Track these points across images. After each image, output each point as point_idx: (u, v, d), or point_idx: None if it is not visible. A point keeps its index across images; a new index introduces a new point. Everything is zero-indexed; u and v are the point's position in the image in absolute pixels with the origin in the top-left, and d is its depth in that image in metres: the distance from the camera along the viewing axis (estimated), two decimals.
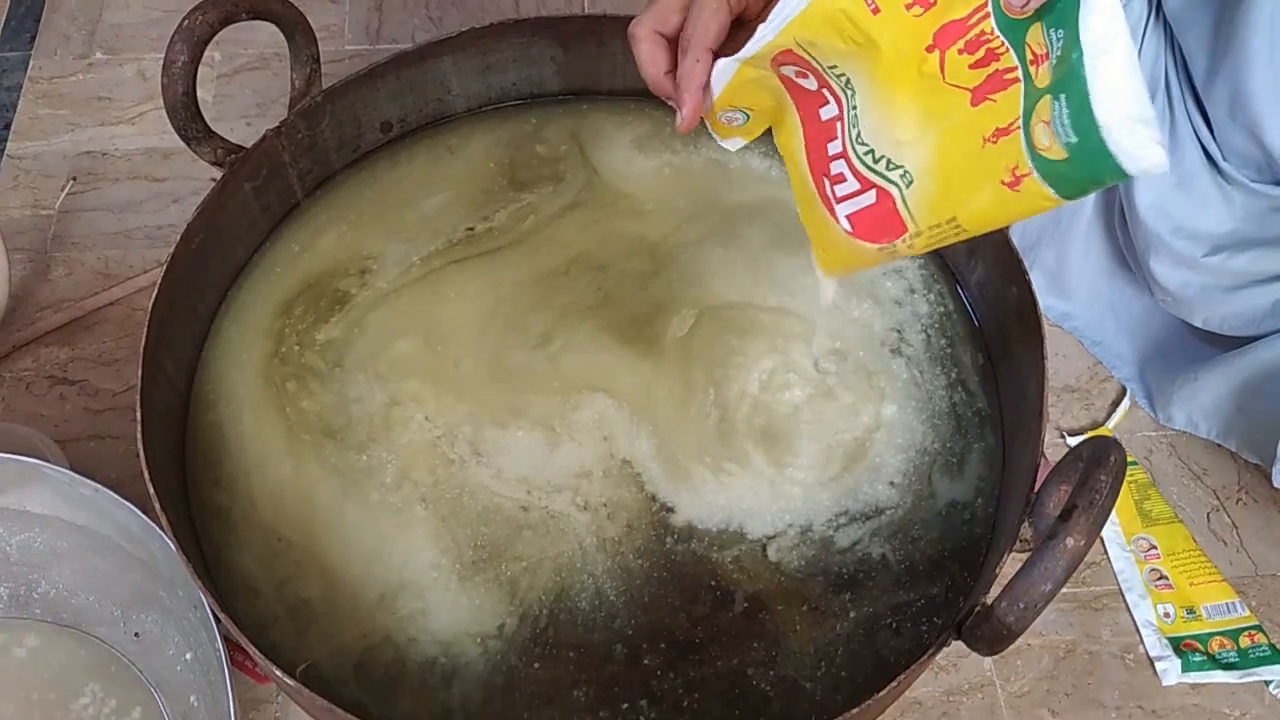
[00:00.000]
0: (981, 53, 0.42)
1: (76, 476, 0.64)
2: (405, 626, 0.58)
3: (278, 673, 0.50)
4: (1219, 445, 0.90)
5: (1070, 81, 0.39)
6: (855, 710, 0.50)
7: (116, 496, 0.63)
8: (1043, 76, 0.40)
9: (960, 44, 0.43)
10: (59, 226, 1.02)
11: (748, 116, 0.53)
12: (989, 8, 0.42)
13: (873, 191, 0.48)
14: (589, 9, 1.20)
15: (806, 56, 0.47)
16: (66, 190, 1.04)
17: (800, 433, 0.65)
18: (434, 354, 0.67)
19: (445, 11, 1.20)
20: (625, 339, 0.68)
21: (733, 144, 0.55)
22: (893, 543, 0.62)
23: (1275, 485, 0.78)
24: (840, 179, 0.49)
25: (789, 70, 0.49)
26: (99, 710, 0.70)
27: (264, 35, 1.14)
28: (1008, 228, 0.62)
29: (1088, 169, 0.39)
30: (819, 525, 0.63)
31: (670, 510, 0.62)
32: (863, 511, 0.63)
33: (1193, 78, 0.82)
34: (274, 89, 1.13)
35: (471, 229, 0.73)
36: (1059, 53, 0.40)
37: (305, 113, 0.69)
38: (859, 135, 0.47)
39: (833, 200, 0.50)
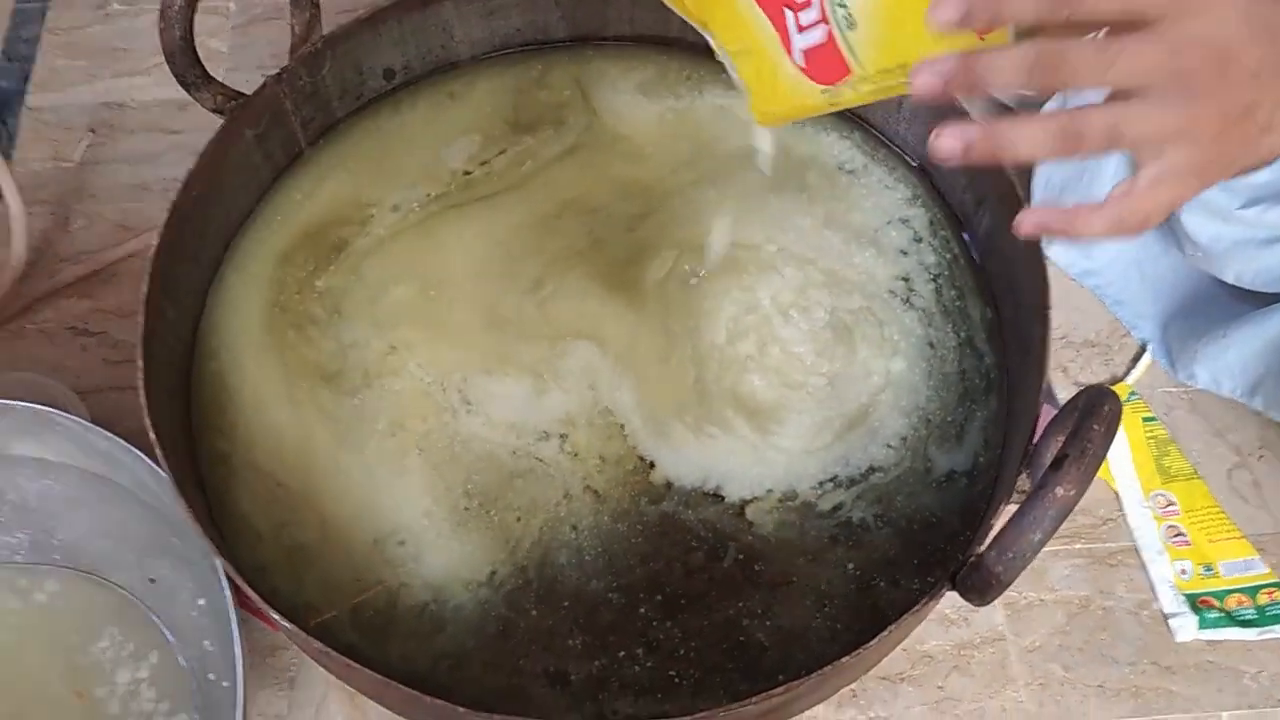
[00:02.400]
0: None
1: (90, 426, 0.65)
2: (398, 571, 0.59)
3: (274, 615, 0.51)
4: (1241, 402, 0.88)
5: None
6: (848, 658, 0.49)
7: (129, 446, 0.64)
8: None
9: None
10: (79, 179, 1.03)
11: None
12: None
13: (824, 27, 0.47)
14: None
15: None
16: (86, 143, 1.05)
17: (786, 399, 0.64)
18: (428, 300, 0.67)
19: None
20: (612, 285, 0.68)
21: None
22: (897, 498, 0.62)
23: None
24: (806, 4, 0.48)
25: None
26: (118, 654, 0.71)
27: None
28: (1014, 174, 0.61)
29: None
30: (810, 483, 0.62)
31: (651, 466, 0.62)
32: (863, 469, 0.63)
33: None
34: (289, 40, 1.12)
35: (470, 173, 0.73)
36: None
37: (305, 59, 0.68)
38: None
39: (793, 32, 0.49)
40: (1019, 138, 0.39)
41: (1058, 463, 0.44)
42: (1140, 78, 0.37)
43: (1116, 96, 0.38)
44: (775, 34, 0.50)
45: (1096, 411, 0.45)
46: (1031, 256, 0.61)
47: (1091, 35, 0.39)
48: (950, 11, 0.39)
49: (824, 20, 0.47)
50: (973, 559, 0.48)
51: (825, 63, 0.48)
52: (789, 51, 0.50)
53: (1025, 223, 0.43)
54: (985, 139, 0.40)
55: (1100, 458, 0.44)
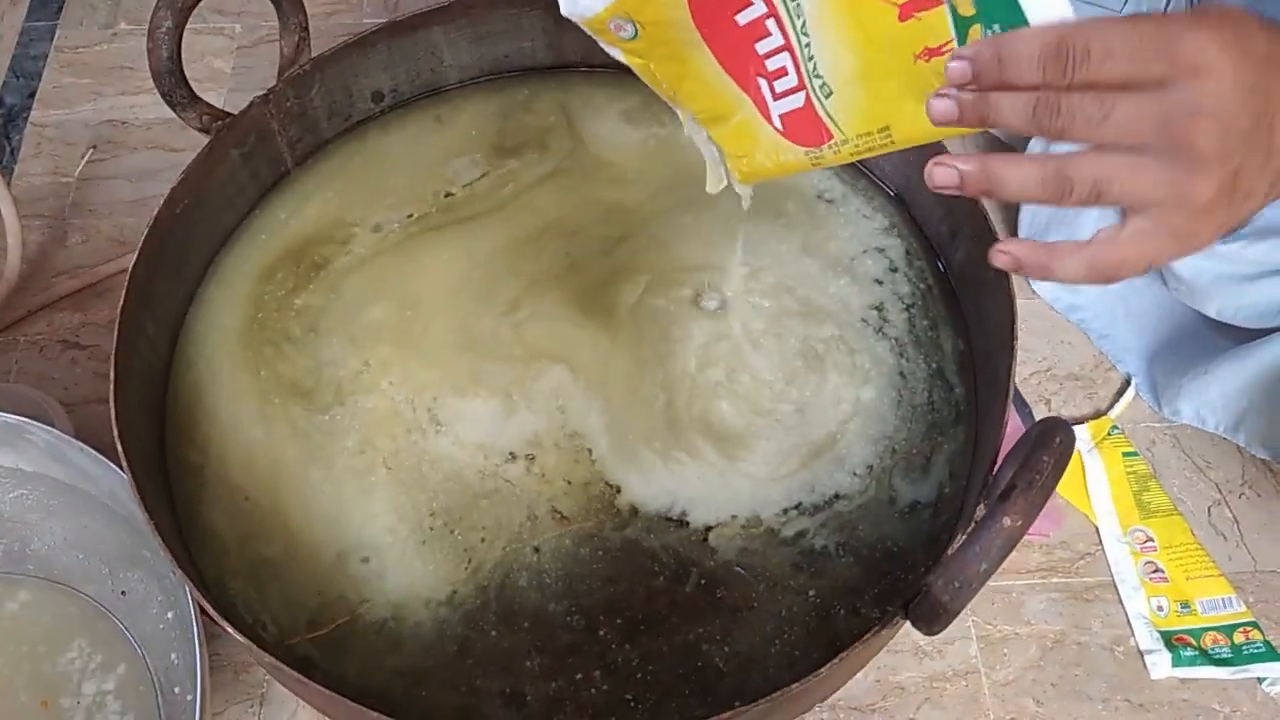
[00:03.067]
0: None
1: (64, 437, 0.65)
2: (360, 587, 0.59)
3: (227, 627, 0.51)
4: (1224, 439, 0.88)
5: (1004, 12, 0.38)
6: (797, 685, 0.49)
7: (102, 457, 0.65)
8: (965, 6, 0.40)
9: None
10: (78, 194, 1.04)
11: (636, 32, 0.51)
12: None
13: (802, 94, 0.48)
14: None
15: None
16: (86, 158, 1.06)
17: (755, 425, 0.65)
18: (404, 320, 0.68)
19: None
20: (587, 310, 0.69)
21: (614, 53, 0.54)
22: (860, 527, 0.62)
23: None
24: (781, 73, 0.49)
25: None
26: (85, 664, 0.72)
27: None
28: (990, 206, 0.61)
29: None
30: (775, 509, 0.62)
31: (618, 490, 0.63)
32: (827, 496, 0.63)
33: None
34: None
35: (452, 195, 0.74)
36: None
37: (293, 81, 0.69)
38: (803, 26, 0.47)
39: (769, 98, 0.50)
40: (1010, 177, 0.39)
41: (1006, 493, 0.44)
42: (1136, 136, 0.37)
43: (1112, 150, 0.37)
44: (749, 100, 0.51)
45: (1048, 443, 0.46)
46: (1000, 288, 0.61)
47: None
48: (942, 114, 0.40)
49: (802, 87, 0.48)
50: (923, 588, 0.48)
51: (805, 127, 0.49)
52: (767, 117, 0.51)
53: (1001, 256, 0.42)
54: (979, 174, 0.40)
55: (1049, 489, 0.44)
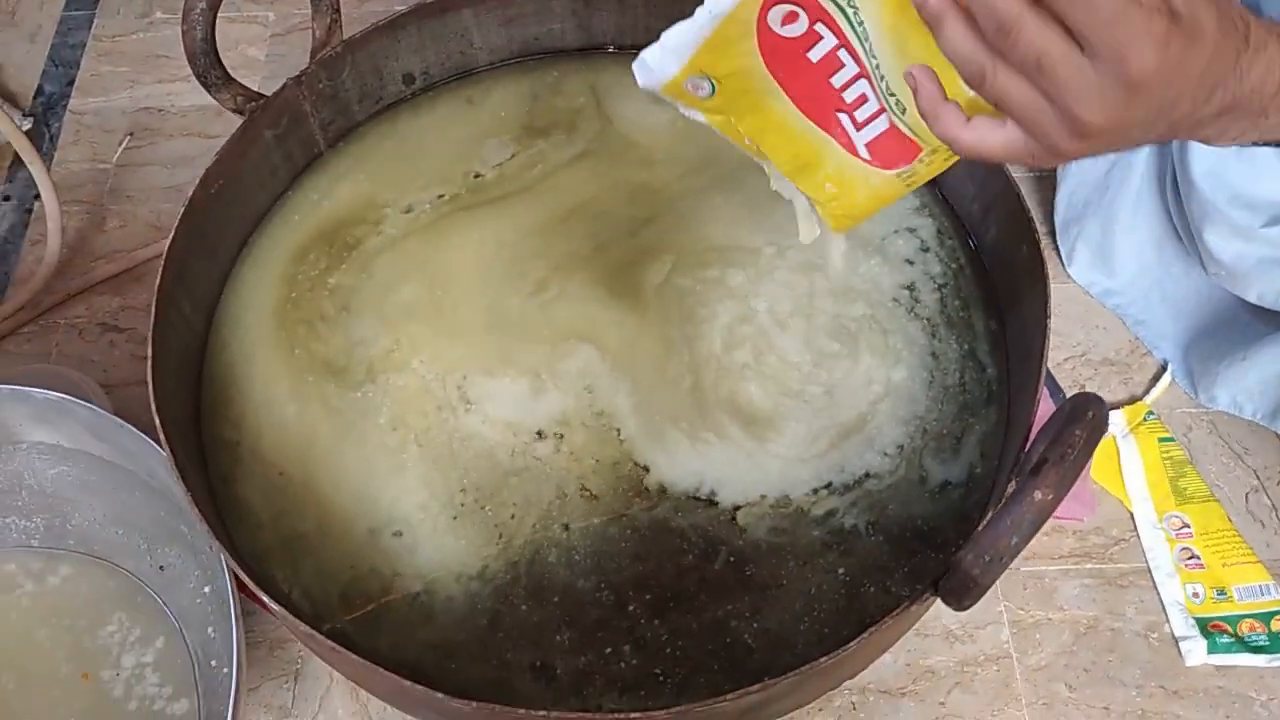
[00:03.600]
0: None
1: (105, 413, 0.66)
2: (391, 562, 0.60)
3: (264, 597, 0.52)
4: (1262, 425, 0.87)
5: None
6: (825, 660, 0.49)
7: (141, 434, 0.66)
8: None
9: None
10: (115, 180, 1.06)
11: (713, 89, 0.50)
12: None
13: (885, 116, 0.48)
14: None
15: None
16: (124, 145, 1.08)
17: (783, 407, 0.65)
18: (434, 299, 0.69)
19: None
20: (614, 290, 0.69)
21: (693, 114, 0.53)
22: (890, 506, 0.62)
23: None
24: (862, 101, 0.49)
25: (777, 14, 0.48)
26: (125, 638, 0.73)
27: None
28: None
29: None
30: (804, 489, 0.62)
31: (646, 470, 0.63)
32: (858, 476, 0.63)
33: None
34: None
35: (481, 176, 0.74)
36: None
37: (325, 63, 0.70)
38: (871, 48, 0.46)
39: (852, 132, 0.50)
40: (950, 31, 0.40)
41: (1037, 467, 0.44)
42: (1051, 86, 0.39)
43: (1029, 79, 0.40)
44: (831, 139, 0.51)
45: (1080, 417, 0.45)
46: (1033, 266, 0.61)
47: None
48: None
49: (883, 109, 0.48)
50: (952, 563, 0.48)
51: (893, 148, 0.49)
52: (853, 150, 0.50)
53: (909, 78, 0.44)
54: (937, 11, 0.41)
55: (1081, 463, 0.44)
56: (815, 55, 0.49)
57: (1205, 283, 0.90)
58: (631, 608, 0.59)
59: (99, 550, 0.75)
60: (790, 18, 0.48)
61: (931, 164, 0.49)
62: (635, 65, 0.49)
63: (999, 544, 0.44)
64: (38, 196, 1.04)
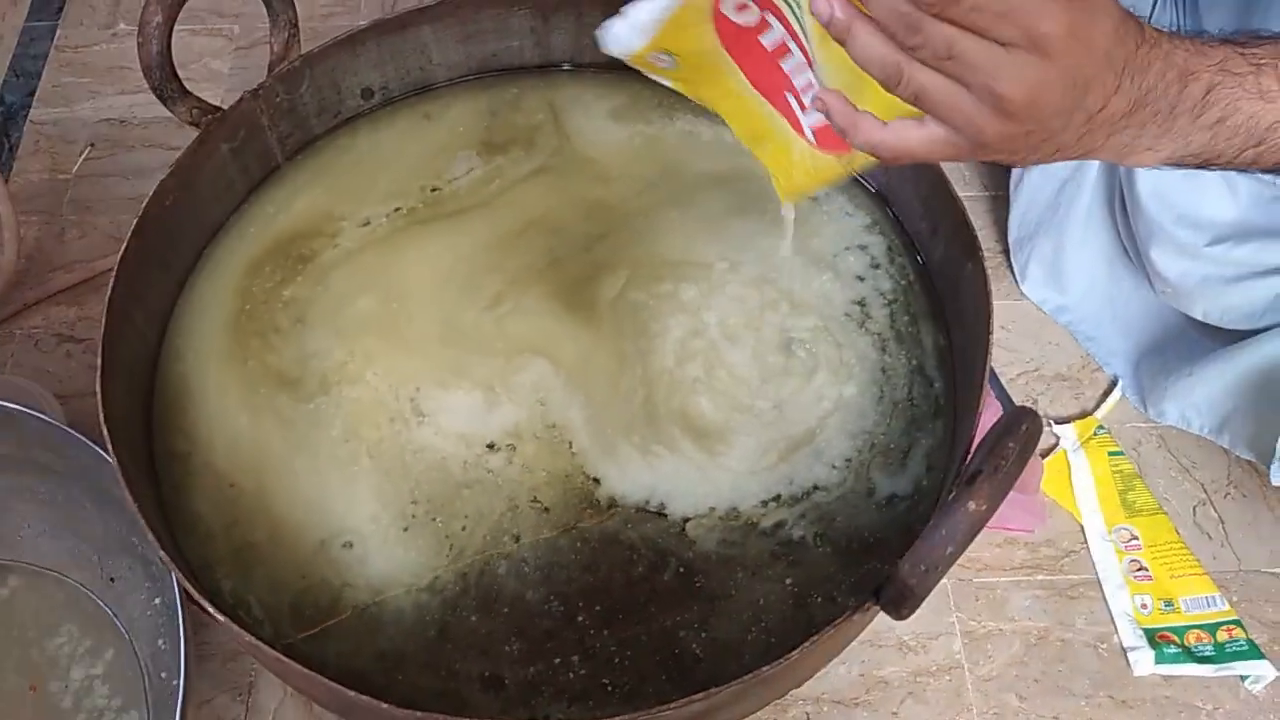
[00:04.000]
0: None
1: (53, 423, 0.66)
2: (342, 572, 0.60)
3: (209, 608, 0.52)
4: (1209, 440, 0.88)
5: None
6: (768, 668, 0.50)
7: (92, 444, 0.65)
8: None
9: None
10: (75, 191, 1.06)
11: (674, 62, 0.53)
12: None
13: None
14: None
15: None
16: (84, 156, 1.08)
17: (734, 420, 0.66)
18: (390, 312, 0.69)
19: None
20: (569, 305, 0.70)
21: (659, 79, 0.56)
22: (838, 518, 0.63)
23: (1275, 483, 0.76)
24: (809, 87, 0.51)
25: (730, 3, 0.50)
26: (74, 650, 0.72)
27: None
28: (963, 204, 0.63)
29: None
30: (753, 501, 0.63)
31: (597, 482, 0.64)
32: (806, 488, 0.64)
33: None
34: None
35: (438, 190, 0.75)
36: None
37: (283, 77, 0.70)
38: (812, 46, 0.49)
39: (799, 112, 0.52)
40: (861, 39, 0.42)
41: (971, 478, 0.45)
42: (965, 75, 0.40)
43: (944, 72, 0.41)
44: (783, 119, 0.53)
45: (1014, 430, 0.46)
46: (978, 283, 0.62)
47: None
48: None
49: None
50: (890, 573, 0.49)
51: (835, 136, 0.50)
52: (800, 131, 0.53)
53: (818, 103, 0.46)
54: (844, 23, 0.42)
55: (1014, 474, 0.45)
56: (767, 41, 0.51)
57: (1154, 300, 0.92)
58: (581, 618, 0.59)
59: (48, 562, 0.74)
60: (743, 6, 0.50)
61: (867, 156, 0.50)
62: (600, 33, 0.51)
63: (934, 554, 0.45)
64: None
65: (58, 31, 1.18)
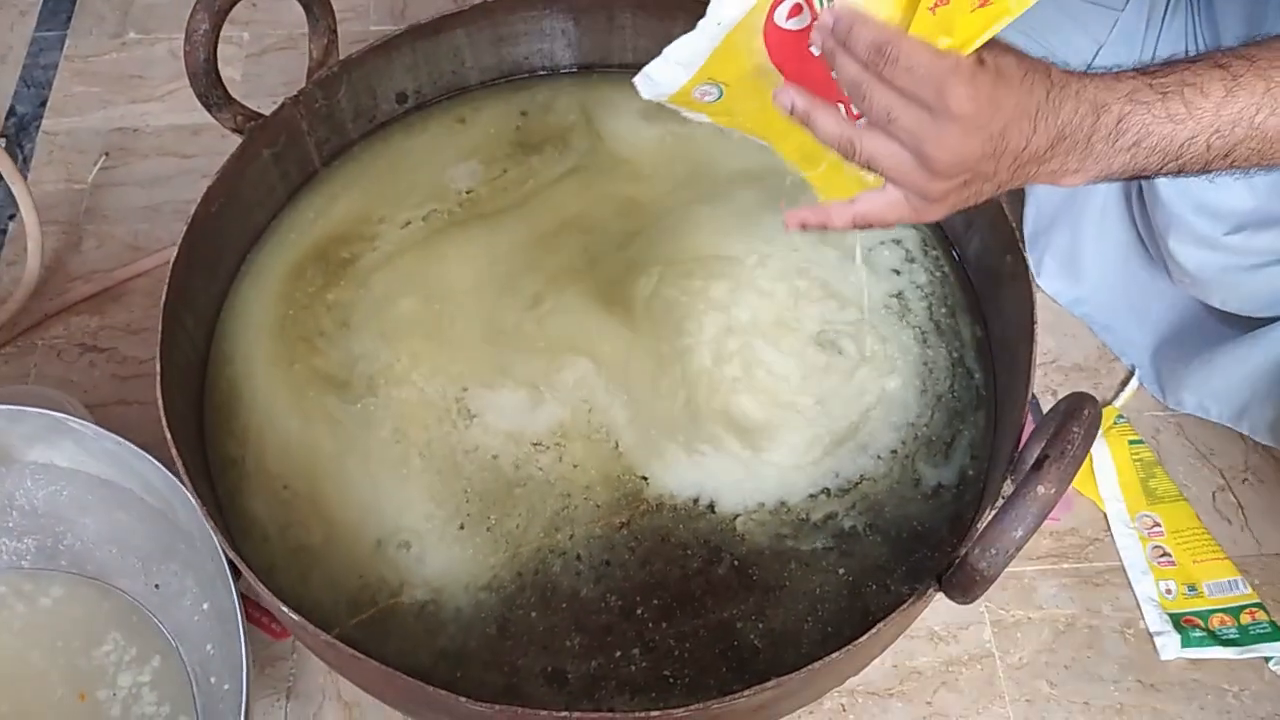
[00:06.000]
0: None
1: (100, 430, 0.66)
2: (399, 572, 0.61)
3: (283, 608, 0.52)
4: (1227, 427, 0.90)
5: None
6: (838, 654, 0.51)
7: (139, 450, 0.66)
8: None
9: None
10: (91, 200, 1.05)
11: (721, 92, 0.53)
12: None
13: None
14: None
15: None
16: (99, 165, 1.07)
17: (777, 417, 0.67)
18: (432, 313, 0.70)
19: None
20: (607, 303, 0.71)
21: (697, 117, 0.55)
22: (886, 508, 0.64)
23: None
24: (848, 101, 0.51)
25: (783, 11, 0.50)
26: (120, 658, 0.72)
27: (291, 16, 1.17)
28: (1003, 201, 0.63)
29: None
30: (801, 495, 0.64)
31: (645, 480, 0.64)
32: (853, 479, 0.65)
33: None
34: (301, 69, 1.12)
35: (474, 192, 0.76)
36: None
37: (322, 82, 0.71)
38: None
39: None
40: (821, 124, 0.50)
41: (1039, 463, 0.46)
42: (904, 137, 0.47)
43: (890, 136, 0.48)
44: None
45: (1076, 415, 0.48)
46: (1018, 276, 0.63)
47: None
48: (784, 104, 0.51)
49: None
50: (958, 559, 0.50)
51: None
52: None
53: (790, 221, 0.55)
54: (805, 110, 0.50)
55: (1080, 459, 0.46)
56: (816, 50, 0.51)
57: (1170, 290, 0.94)
58: (639, 612, 0.60)
59: (92, 570, 0.74)
60: (795, 10, 0.50)
61: None
62: (638, 80, 0.51)
63: (1004, 538, 0.46)
64: (11, 217, 1.03)
65: (67, 41, 1.17)
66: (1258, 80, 0.50)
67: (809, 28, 0.51)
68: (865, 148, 0.49)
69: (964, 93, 0.45)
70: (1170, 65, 0.51)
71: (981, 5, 0.45)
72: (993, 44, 0.47)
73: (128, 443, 0.66)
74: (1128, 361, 0.96)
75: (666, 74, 0.51)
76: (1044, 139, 0.48)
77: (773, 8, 0.49)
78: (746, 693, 0.49)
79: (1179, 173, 0.52)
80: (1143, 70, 0.51)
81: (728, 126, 0.56)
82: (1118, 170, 0.51)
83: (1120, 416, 0.92)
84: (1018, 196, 1.01)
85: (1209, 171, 0.53)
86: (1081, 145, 0.49)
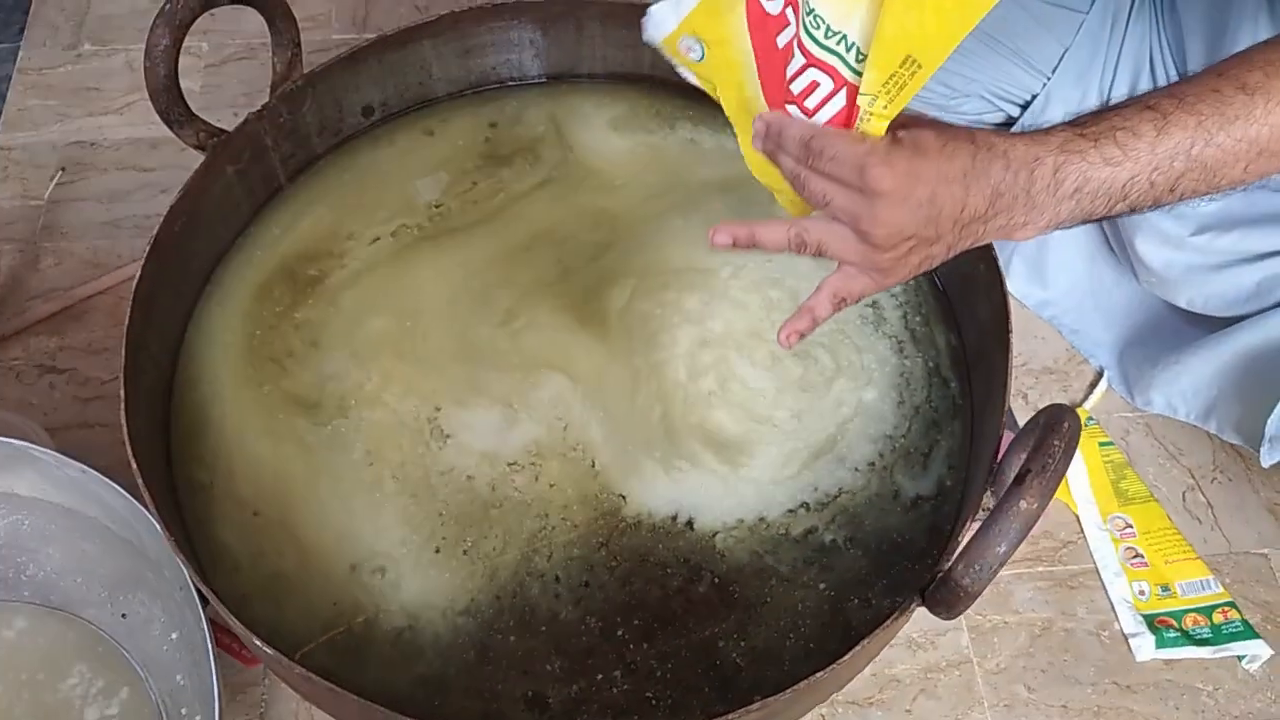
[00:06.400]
0: None
1: (64, 458, 0.64)
2: (375, 598, 0.60)
3: (256, 641, 0.51)
4: (1195, 426, 0.91)
5: None
6: (822, 674, 0.51)
7: (103, 478, 0.64)
8: None
9: None
10: (48, 217, 1.03)
11: (703, 52, 0.54)
12: None
13: (829, 78, 0.50)
14: None
15: None
16: (56, 180, 1.05)
17: (754, 432, 0.66)
18: (403, 331, 0.69)
19: (432, 1, 1.21)
20: (580, 318, 0.70)
21: (687, 75, 0.57)
22: (865, 520, 0.63)
23: (1265, 465, 0.78)
24: (810, 90, 0.51)
25: None
26: (87, 690, 0.71)
27: (250, 26, 1.15)
28: None
29: None
30: (780, 510, 0.64)
31: (623, 498, 0.64)
32: (832, 493, 0.65)
33: (1181, 59, 0.83)
34: (261, 79, 1.13)
35: (443, 206, 0.74)
36: None
37: (286, 96, 0.70)
38: (815, 18, 0.49)
39: (805, 117, 0.52)
40: (769, 236, 0.55)
41: (1020, 477, 0.46)
42: (844, 217, 0.51)
43: (833, 220, 0.52)
44: None
45: (1057, 428, 0.47)
46: (992, 285, 0.63)
47: None
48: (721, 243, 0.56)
49: (841, 85, 0.51)
50: (940, 573, 0.50)
51: (841, 116, 0.52)
52: None
53: (717, 237, 0.56)
54: (746, 236, 0.55)
55: (1061, 472, 0.46)
56: (780, 41, 0.52)
57: (1136, 291, 0.95)
58: (620, 633, 0.59)
59: (56, 600, 0.72)
60: None
61: (872, 114, 0.50)
62: (645, 19, 0.54)
63: (988, 554, 0.46)
64: None
65: (20, 53, 1.14)
66: (1187, 116, 0.51)
67: (778, 18, 0.51)
68: (813, 236, 0.53)
69: (880, 171, 0.48)
70: (1098, 114, 0.52)
71: None
72: (910, 120, 0.50)
73: (92, 470, 0.64)
74: (1096, 363, 0.97)
75: (662, 15, 0.54)
76: (980, 199, 0.50)
77: None
78: (731, 715, 0.49)
79: (1132, 211, 0.53)
80: (1072, 122, 0.52)
81: (708, 91, 0.57)
82: (1066, 218, 0.52)
83: (1090, 419, 0.93)
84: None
85: (1160, 206, 0.54)
86: (1023, 200, 0.50)
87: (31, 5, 1.18)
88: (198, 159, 0.67)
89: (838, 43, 0.49)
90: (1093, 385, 0.95)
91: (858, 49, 0.48)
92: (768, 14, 0.51)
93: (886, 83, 0.48)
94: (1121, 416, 0.94)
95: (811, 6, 0.49)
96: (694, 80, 0.56)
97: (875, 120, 0.50)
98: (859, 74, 0.49)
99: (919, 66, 0.47)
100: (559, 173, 0.76)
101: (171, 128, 0.65)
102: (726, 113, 0.57)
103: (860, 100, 0.49)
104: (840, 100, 0.50)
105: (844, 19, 0.48)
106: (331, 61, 0.71)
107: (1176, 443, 0.93)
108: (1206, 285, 0.85)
